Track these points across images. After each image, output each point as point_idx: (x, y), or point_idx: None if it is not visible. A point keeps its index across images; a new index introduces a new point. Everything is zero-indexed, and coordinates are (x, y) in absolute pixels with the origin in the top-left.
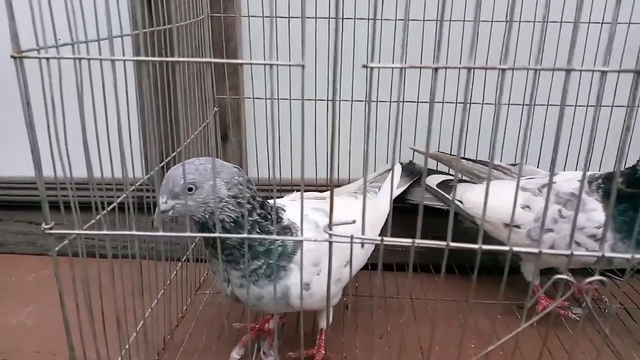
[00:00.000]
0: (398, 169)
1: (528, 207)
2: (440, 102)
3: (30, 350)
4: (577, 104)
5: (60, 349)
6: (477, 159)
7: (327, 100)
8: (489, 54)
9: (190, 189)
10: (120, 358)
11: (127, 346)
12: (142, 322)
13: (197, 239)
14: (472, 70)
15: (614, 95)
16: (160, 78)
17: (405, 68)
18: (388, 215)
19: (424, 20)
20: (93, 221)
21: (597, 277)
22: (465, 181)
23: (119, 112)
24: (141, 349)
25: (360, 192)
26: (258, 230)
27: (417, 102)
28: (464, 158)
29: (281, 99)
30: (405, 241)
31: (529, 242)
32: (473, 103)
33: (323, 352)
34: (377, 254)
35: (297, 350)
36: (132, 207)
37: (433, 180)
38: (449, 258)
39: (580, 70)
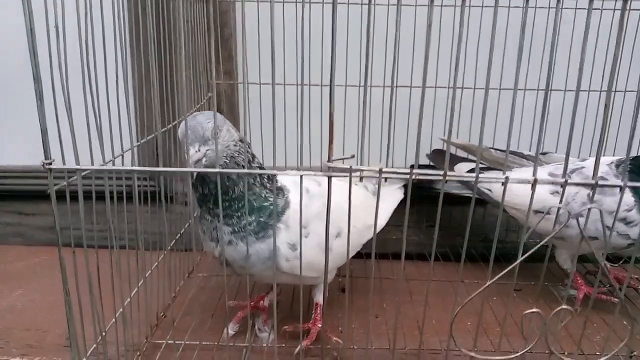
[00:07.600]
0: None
1: (557, 192)
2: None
3: (20, 328)
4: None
5: (50, 327)
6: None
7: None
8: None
9: (216, 133)
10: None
11: (113, 320)
12: (135, 290)
13: (186, 225)
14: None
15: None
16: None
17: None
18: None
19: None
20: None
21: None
22: (495, 169)
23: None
24: (134, 322)
25: (365, 182)
26: (258, 182)
27: (410, 86)
28: (493, 148)
29: (277, 83)
30: (404, 171)
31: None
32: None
33: (319, 325)
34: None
35: (291, 325)
36: (135, 153)
37: (463, 168)
38: (445, 246)
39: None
